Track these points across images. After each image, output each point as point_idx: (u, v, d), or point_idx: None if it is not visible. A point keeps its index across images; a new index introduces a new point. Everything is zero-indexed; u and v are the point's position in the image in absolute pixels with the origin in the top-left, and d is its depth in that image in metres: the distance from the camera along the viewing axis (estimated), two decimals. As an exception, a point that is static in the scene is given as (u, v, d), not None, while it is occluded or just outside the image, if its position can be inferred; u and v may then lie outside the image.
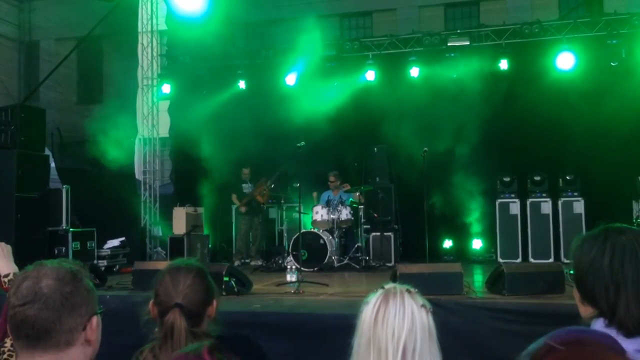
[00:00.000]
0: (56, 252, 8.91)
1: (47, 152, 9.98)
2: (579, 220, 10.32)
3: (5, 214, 8.12)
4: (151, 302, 2.17)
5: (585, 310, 1.74)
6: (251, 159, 11.37)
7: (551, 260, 10.00)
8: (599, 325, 1.66)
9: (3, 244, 2.67)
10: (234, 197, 11.30)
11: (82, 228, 9.61)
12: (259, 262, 10.57)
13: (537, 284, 6.11)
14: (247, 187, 11.16)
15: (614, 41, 10.52)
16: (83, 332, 1.61)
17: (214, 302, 2.22)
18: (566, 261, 9.39)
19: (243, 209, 11.15)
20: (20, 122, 8.47)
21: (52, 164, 10.28)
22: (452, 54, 11.31)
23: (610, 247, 1.69)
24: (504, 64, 10.96)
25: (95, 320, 1.64)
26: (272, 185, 10.95)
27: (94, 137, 14.44)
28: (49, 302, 1.56)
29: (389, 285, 1.79)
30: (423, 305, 1.74)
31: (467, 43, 11.33)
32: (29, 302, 1.55)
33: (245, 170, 11.28)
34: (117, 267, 10.04)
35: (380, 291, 1.77)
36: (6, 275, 2.57)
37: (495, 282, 6.45)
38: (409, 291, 1.76)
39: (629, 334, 1.62)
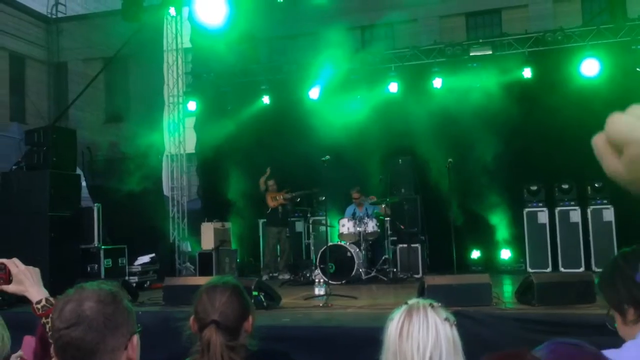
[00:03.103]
0: (89, 269, 9.10)
1: (79, 171, 10.19)
2: (609, 228, 10.19)
3: (40, 232, 8.32)
4: (192, 318, 2.28)
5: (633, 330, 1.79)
6: (276, 174, 11.44)
7: (582, 269, 9.88)
8: None
9: (31, 268, 2.66)
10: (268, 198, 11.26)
11: (113, 245, 9.79)
12: (287, 276, 10.61)
13: (568, 293, 6.06)
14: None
15: (639, 46, 10.42)
16: (125, 351, 1.67)
17: (250, 318, 2.31)
18: (597, 270, 9.27)
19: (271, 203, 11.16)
20: (52, 143, 8.69)
21: (83, 183, 10.49)
22: (475, 64, 11.30)
23: None
24: (527, 72, 10.92)
25: (136, 338, 1.72)
26: (290, 197, 10.96)
27: (123, 154, 14.72)
28: (93, 323, 1.62)
29: (413, 301, 1.84)
30: (447, 319, 1.78)
31: (490, 52, 11.32)
32: (73, 325, 1.62)
33: (270, 182, 11.24)
34: (148, 283, 10.18)
35: (404, 307, 1.82)
36: (38, 302, 2.59)
37: (524, 292, 6.41)
38: (431, 305, 1.80)
39: None
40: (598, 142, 0.93)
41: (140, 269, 10.25)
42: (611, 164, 0.92)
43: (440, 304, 1.84)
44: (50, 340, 2.52)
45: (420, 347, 1.71)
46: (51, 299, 2.62)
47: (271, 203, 11.05)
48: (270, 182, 11.13)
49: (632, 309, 1.88)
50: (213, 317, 2.20)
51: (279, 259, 11.23)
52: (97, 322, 1.62)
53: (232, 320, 2.22)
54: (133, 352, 1.70)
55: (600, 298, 5.65)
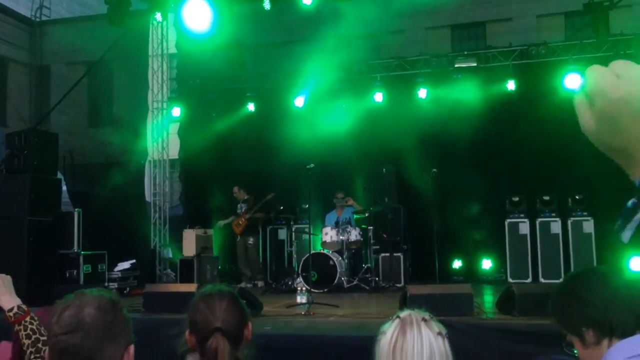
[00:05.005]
0: (67, 275, 8.99)
1: (59, 175, 10.08)
2: (589, 240, 10.31)
3: (18, 237, 8.19)
4: (187, 332, 2.17)
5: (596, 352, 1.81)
6: (261, 182, 11.42)
7: (562, 280, 9.94)
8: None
9: (3, 275, 2.64)
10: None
11: (93, 251, 9.68)
12: (259, 284, 10.48)
13: (548, 304, 6.08)
14: (240, 208, 11.16)
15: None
16: None
17: (249, 325, 2.25)
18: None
19: (221, 224, 11.25)
20: (33, 146, 8.57)
21: (64, 187, 10.38)
22: (460, 75, 11.39)
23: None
24: (511, 85, 11.03)
25: (132, 349, 1.70)
26: (250, 216, 10.86)
27: (105, 159, 14.60)
28: (92, 330, 1.60)
29: (405, 314, 1.81)
30: (439, 333, 1.76)
31: (475, 64, 11.42)
32: (72, 331, 1.60)
33: (234, 188, 11.18)
34: (128, 289, 10.07)
35: (396, 321, 1.79)
36: (10, 310, 2.58)
37: (505, 302, 6.43)
38: (424, 319, 1.78)
39: None
40: (578, 99, 0.96)
41: (120, 275, 10.15)
42: (585, 120, 0.96)
43: (432, 317, 1.82)
44: (25, 349, 2.50)
45: None
46: (23, 306, 2.60)
47: (237, 229, 11.04)
48: (240, 205, 11.09)
49: (591, 331, 1.85)
50: (216, 324, 2.10)
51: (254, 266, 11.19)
52: (96, 330, 1.61)
53: (235, 326, 2.15)
54: None
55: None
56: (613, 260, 9.56)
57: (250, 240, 11.01)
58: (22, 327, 2.53)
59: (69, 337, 1.59)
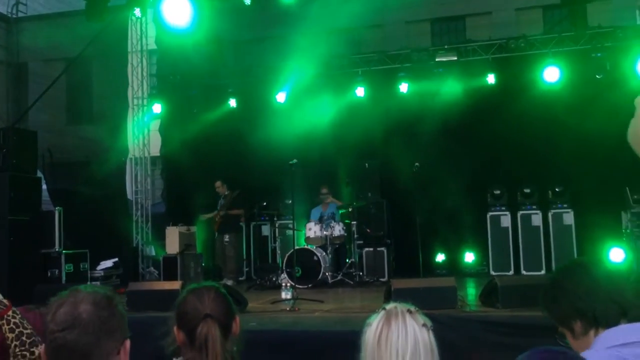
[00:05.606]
0: (49, 274, 8.90)
1: (39, 174, 9.96)
2: (569, 232, 10.43)
3: (-2, 237, 8.11)
4: (175, 328, 2.15)
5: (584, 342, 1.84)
6: (243, 178, 11.37)
7: (543, 272, 10.08)
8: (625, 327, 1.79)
9: None
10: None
11: (75, 249, 9.59)
12: (230, 282, 10.38)
13: (531, 296, 6.14)
14: (219, 204, 11.09)
15: (599, 54, 10.69)
16: (118, 356, 1.68)
17: (237, 319, 2.22)
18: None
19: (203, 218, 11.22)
20: (12, 145, 8.48)
21: (44, 186, 10.26)
22: (440, 69, 11.44)
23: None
24: (491, 79, 11.10)
25: (128, 343, 1.72)
26: (225, 213, 10.76)
27: (85, 157, 14.47)
28: (88, 327, 1.61)
29: (390, 306, 1.83)
30: (424, 324, 1.78)
31: (455, 58, 11.46)
32: (68, 328, 1.60)
33: (217, 183, 11.05)
34: (111, 288, 9.99)
35: (381, 313, 1.81)
36: None
37: (488, 295, 6.50)
38: (409, 311, 1.80)
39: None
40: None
41: (102, 274, 10.09)
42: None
43: (417, 309, 1.84)
44: (9, 342, 2.49)
45: (399, 354, 1.72)
46: (4, 300, 2.60)
47: (214, 226, 11.01)
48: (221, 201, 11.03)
49: (578, 322, 1.91)
50: (205, 311, 2.09)
51: (245, 262, 11.13)
52: (92, 326, 1.62)
53: (224, 315, 2.13)
54: (125, 356, 1.71)
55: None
56: (593, 251, 9.71)
57: (226, 238, 10.84)
58: (4, 321, 2.52)
59: (66, 334, 1.60)
